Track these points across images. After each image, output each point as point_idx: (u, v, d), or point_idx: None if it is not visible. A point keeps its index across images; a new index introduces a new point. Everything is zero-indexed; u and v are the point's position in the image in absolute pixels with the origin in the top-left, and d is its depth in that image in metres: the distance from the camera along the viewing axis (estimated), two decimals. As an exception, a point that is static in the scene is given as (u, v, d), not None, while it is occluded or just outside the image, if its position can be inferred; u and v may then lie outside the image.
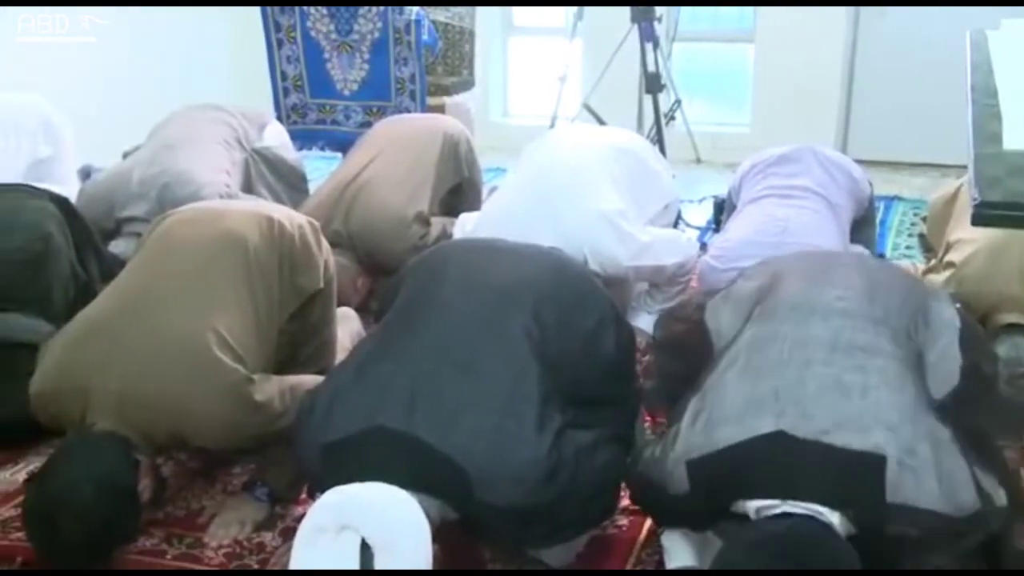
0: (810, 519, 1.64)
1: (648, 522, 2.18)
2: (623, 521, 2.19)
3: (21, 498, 2.25)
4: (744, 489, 1.71)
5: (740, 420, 1.72)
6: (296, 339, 2.34)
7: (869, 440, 1.64)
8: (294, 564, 1.67)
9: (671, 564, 1.92)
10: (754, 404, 1.73)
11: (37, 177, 3.37)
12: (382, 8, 4.35)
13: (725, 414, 1.75)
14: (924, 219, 4.00)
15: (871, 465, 1.62)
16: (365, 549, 1.61)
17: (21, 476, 2.38)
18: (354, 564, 1.60)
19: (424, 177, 3.41)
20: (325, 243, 2.47)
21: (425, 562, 1.67)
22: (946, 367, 1.80)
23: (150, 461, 2.09)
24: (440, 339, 1.92)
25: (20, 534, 2.14)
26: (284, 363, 2.29)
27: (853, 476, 1.64)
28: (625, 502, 2.16)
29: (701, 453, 1.73)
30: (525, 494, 1.75)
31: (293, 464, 2.06)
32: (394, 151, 3.46)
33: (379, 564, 1.61)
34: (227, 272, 2.19)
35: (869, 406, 1.69)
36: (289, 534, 2.11)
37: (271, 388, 2.10)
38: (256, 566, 2.09)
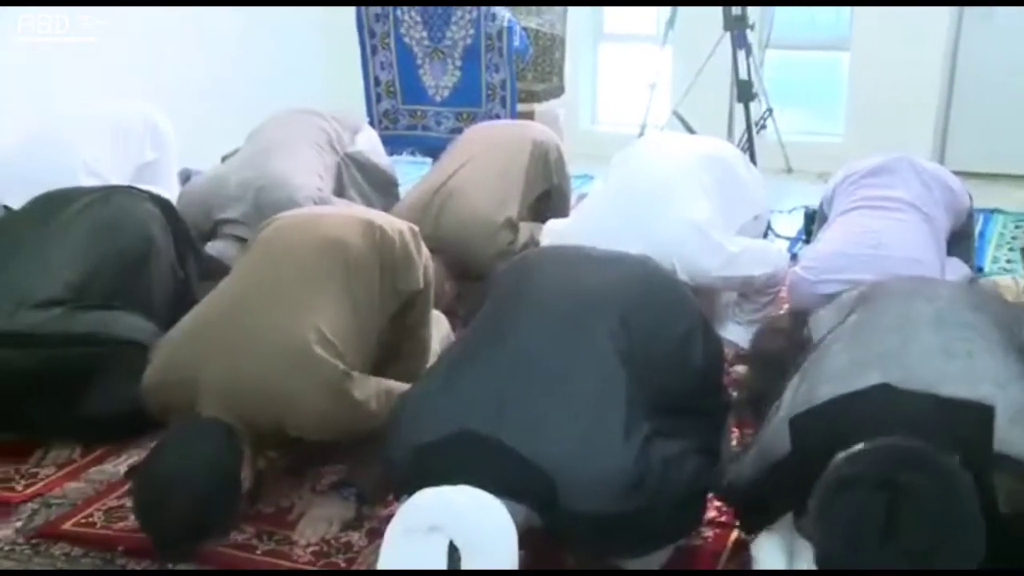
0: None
1: (734, 535, 2.16)
2: (708, 533, 2.17)
3: (124, 489, 2.35)
4: (847, 440, 1.64)
5: (843, 378, 1.71)
6: (393, 339, 2.40)
7: (978, 391, 1.61)
8: (382, 563, 1.69)
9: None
10: (858, 365, 1.73)
11: (142, 180, 3.49)
12: (474, 15, 4.40)
13: (828, 375, 1.74)
14: (1027, 232, 3.89)
15: (979, 413, 1.58)
16: (453, 551, 1.63)
17: (123, 468, 2.46)
18: (441, 565, 1.62)
19: (513, 183, 3.44)
20: (424, 248, 2.52)
21: (511, 566, 1.69)
22: None
23: (251, 452, 2.15)
24: (528, 344, 1.93)
25: (123, 523, 2.22)
26: (381, 363, 2.35)
27: (960, 422, 1.59)
28: (711, 514, 2.15)
29: (804, 408, 1.71)
30: (611, 501, 1.75)
31: (381, 467, 2.10)
32: (484, 157, 3.49)
33: (466, 566, 1.62)
34: (330, 275, 2.27)
35: (975, 367, 1.68)
36: (375, 535, 2.15)
37: (369, 388, 2.16)
38: (343, 565, 2.12)
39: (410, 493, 1.79)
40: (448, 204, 3.31)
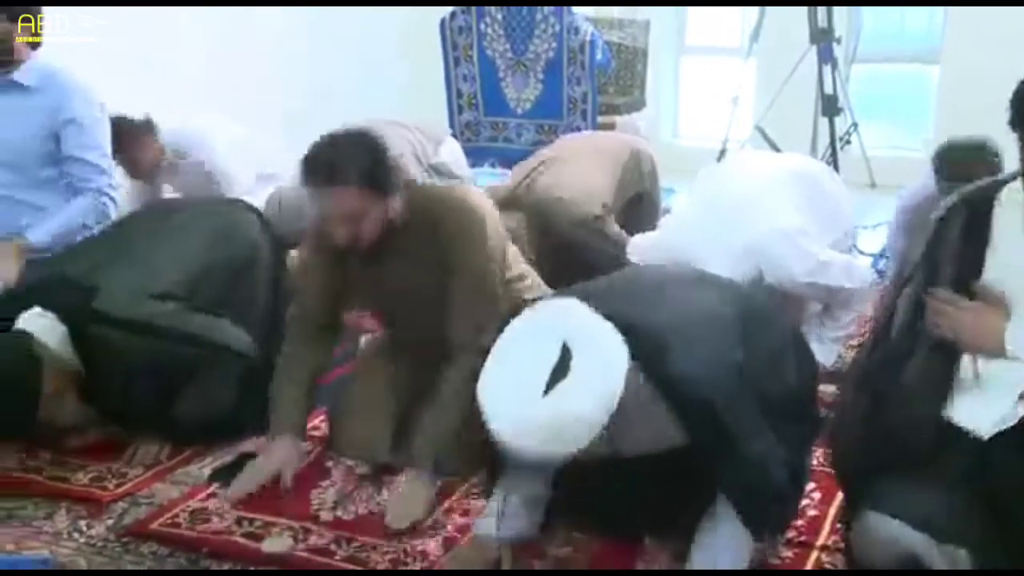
0: None
1: (813, 555, 2.13)
2: (787, 553, 2.14)
3: (207, 492, 2.41)
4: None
5: None
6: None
7: None
8: (493, 355, 1.70)
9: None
10: None
11: (257, 190, 3.70)
12: (557, 28, 4.42)
13: None
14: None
15: None
16: (565, 351, 1.61)
17: (207, 471, 2.53)
18: (550, 364, 1.60)
19: (610, 172, 3.57)
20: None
21: (617, 387, 1.62)
22: None
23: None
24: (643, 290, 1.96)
25: (207, 525, 2.28)
26: None
27: None
28: (790, 534, 2.13)
29: None
30: (714, 391, 1.73)
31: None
32: (582, 151, 3.65)
33: (574, 373, 1.60)
34: None
35: None
36: (450, 543, 2.17)
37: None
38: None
39: None
40: (546, 171, 3.49)
